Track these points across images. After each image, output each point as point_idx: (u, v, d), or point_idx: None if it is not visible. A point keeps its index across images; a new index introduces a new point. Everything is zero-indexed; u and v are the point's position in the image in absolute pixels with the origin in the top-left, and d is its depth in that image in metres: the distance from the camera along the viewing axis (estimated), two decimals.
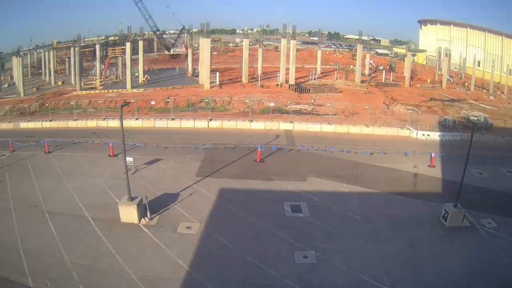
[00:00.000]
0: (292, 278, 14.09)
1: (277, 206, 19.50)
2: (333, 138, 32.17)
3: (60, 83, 57.76)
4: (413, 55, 76.67)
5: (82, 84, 51.44)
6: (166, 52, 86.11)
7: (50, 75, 61.06)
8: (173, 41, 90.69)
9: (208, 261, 14.97)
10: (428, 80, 63.26)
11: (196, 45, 65.68)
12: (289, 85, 50.77)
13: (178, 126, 34.56)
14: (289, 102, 41.74)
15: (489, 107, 48.33)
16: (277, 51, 78.48)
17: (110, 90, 49.90)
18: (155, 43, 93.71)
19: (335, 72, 63.36)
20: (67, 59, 68.27)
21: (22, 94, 49.76)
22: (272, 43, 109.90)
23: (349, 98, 46.27)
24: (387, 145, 30.09)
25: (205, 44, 51.01)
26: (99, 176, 22.76)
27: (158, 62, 79.24)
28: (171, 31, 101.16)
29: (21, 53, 54.97)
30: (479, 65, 69.91)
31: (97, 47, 57.28)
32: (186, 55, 74.51)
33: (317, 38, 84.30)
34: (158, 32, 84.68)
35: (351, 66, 68.84)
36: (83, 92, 48.89)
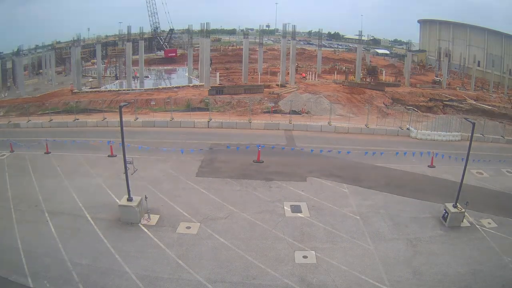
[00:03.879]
0: (292, 278, 14.09)
1: (277, 206, 19.51)
2: (333, 138, 32.21)
3: (60, 83, 57.72)
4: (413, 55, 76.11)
5: (83, 84, 51.48)
6: (158, 54, 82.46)
7: (50, 75, 61.05)
8: (163, 43, 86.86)
9: (208, 261, 14.97)
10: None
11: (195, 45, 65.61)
12: None
13: (178, 126, 34.55)
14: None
15: (489, 107, 48.32)
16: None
17: (110, 89, 49.94)
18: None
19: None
20: (67, 59, 68.24)
21: (22, 94, 49.82)
22: (272, 43, 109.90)
23: (350, 99, 46.30)
24: (387, 145, 30.10)
25: (205, 44, 51.01)
26: (99, 176, 22.76)
27: (157, 62, 78.95)
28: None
29: (21, 53, 54.89)
30: (479, 65, 69.92)
31: (98, 47, 57.28)
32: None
33: (316, 38, 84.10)
34: (157, 31, 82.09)
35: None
36: (83, 92, 48.87)
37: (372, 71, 57.43)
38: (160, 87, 51.67)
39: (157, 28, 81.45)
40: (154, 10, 76.99)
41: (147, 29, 79.73)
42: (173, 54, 79.11)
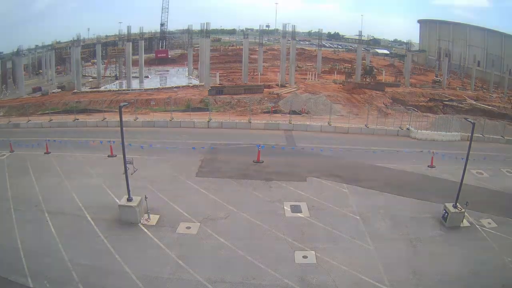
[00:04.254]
0: (292, 278, 14.08)
1: (277, 206, 19.51)
2: (333, 138, 32.17)
3: (59, 83, 57.73)
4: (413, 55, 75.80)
5: (82, 84, 51.47)
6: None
7: (50, 75, 61.06)
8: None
9: (208, 261, 14.97)
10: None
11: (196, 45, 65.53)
12: None
13: (178, 126, 34.53)
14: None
15: (489, 107, 48.30)
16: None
17: (110, 89, 49.96)
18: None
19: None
20: (67, 59, 68.23)
21: (22, 94, 49.89)
22: (271, 43, 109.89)
23: (350, 99, 46.33)
24: (387, 145, 30.10)
25: (204, 44, 51.06)
26: (99, 176, 22.75)
27: (157, 62, 78.76)
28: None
29: (21, 53, 54.94)
30: (479, 65, 69.93)
31: (98, 47, 57.30)
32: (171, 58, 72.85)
33: (316, 38, 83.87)
34: (164, 29, 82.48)
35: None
36: (83, 92, 48.87)
37: (369, 71, 57.42)
38: (160, 87, 51.69)
39: (163, 24, 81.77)
40: (166, 5, 77.78)
41: (147, 29, 79.77)
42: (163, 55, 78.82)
